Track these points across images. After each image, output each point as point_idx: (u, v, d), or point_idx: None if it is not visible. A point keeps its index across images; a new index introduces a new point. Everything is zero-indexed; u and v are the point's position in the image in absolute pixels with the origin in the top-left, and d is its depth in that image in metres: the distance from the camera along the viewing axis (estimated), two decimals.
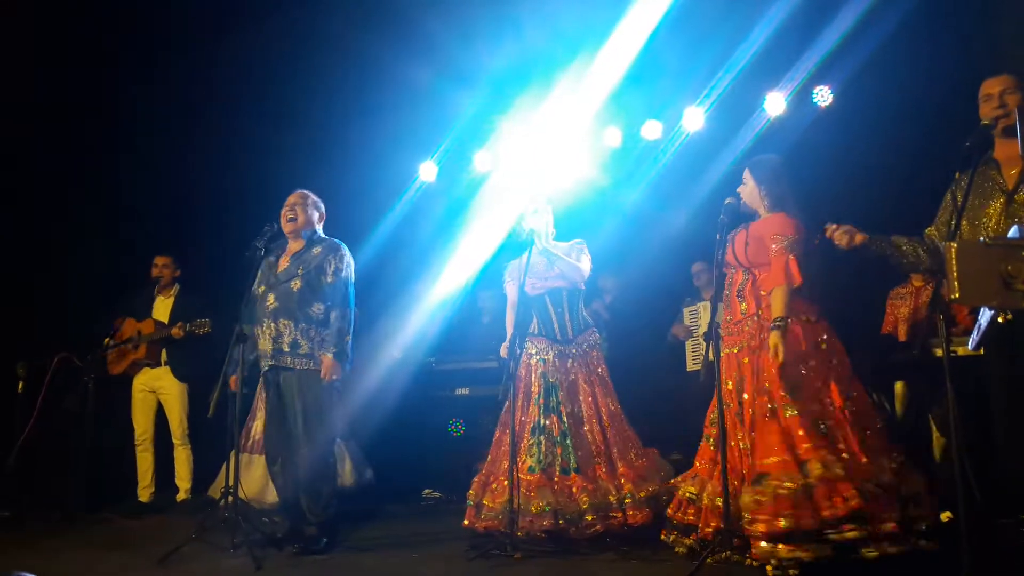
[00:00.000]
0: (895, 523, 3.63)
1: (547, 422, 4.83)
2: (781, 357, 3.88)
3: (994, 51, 3.32)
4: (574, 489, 4.61)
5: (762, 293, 4.12)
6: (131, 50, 7.16)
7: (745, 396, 4.09)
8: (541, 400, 4.88)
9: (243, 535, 4.46)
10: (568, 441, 4.76)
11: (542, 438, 4.77)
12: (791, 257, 4.00)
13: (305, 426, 4.68)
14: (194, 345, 6.30)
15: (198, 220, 7.48)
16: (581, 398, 4.89)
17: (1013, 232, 2.96)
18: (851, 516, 3.60)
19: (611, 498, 4.58)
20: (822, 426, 3.85)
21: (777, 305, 3.96)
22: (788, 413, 3.86)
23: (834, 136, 6.17)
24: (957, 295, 2.80)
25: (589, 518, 4.53)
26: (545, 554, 4.37)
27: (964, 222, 3.25)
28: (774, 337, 3.90)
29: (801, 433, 3.80)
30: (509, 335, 4.95)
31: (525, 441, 4.78)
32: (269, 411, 4.94)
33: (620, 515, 4.54)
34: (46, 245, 7.27)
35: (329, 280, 4.82)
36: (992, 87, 3.37)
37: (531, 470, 4.69)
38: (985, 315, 3.03)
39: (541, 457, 4.74)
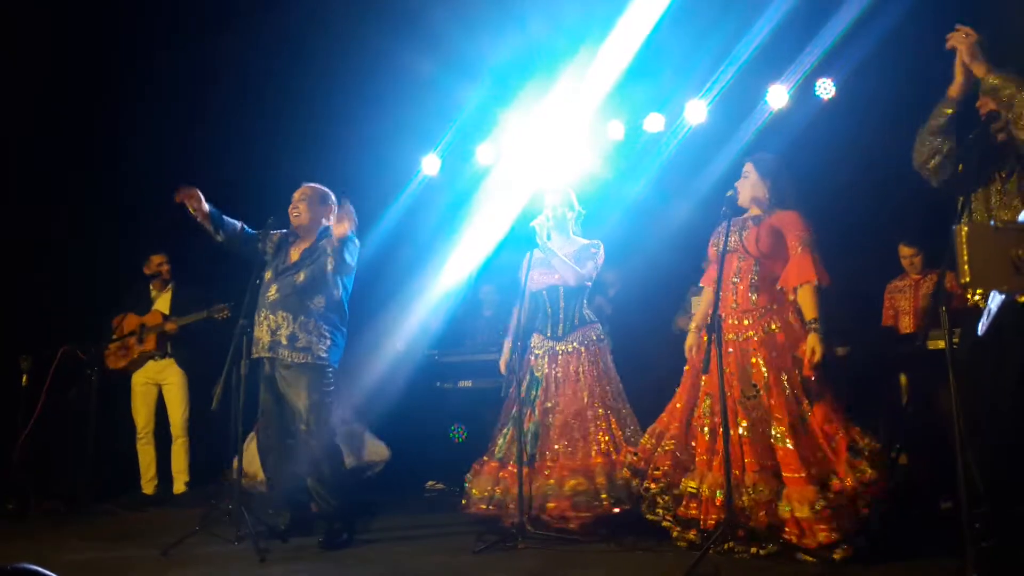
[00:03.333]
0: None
1: (521, 414, 4.91)
2: (819, 357, 4.00)
3: (999, 42, 3.31)
4: (510, 480, 4.71)
5: (778, 287, 4.23)
6: (131, 44, 7.15)
7: (757, 384, 4.14)
8: (523, 393, 4.96)
9: (247, 527, 4.47)
10: (531, 435, 4.84)
11: (513, 429, 4.84)
12: (816, 255, 4.16)
13: (304, 419, 4.70)
14: (199, 336, 6.34)
15: None
16: (559, 393, 4.92)
17: None
18: None
19: (540, 490, 4.67)
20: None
21: (810, 306, 4.10)
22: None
23: (837, 129, 6.17)
24: (967, 279, 2.78)
25: (511, 507, 4.65)
26: (551, 545, 4.39)
27: (976, 210, 3.25)
28: (813, 339, 4.03)
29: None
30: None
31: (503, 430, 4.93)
32: (263, 404, 4.94)
33: (541, 505, 4.63)
34: (49, 239, 7.27)
35: (330, 270, 4.84)
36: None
37: (493, 457, 4.90)
38: (995, 300, 3.00)
39: (506, 447, 4.85)
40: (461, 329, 7.41)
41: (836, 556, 3.73)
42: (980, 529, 3.06)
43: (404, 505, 6.11)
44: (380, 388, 6.09)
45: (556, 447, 4.80)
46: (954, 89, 3.39)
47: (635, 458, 4.46)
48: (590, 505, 4.56)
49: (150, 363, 6.57)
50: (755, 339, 4.18)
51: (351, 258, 4.87)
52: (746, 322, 4.23)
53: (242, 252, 5.07)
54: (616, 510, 4.55)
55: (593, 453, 4.73)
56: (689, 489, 4.17)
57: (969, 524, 3.06)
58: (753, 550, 3.91)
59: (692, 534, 4.14)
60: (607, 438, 4.77)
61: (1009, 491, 3.05)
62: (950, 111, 3.42)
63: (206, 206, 4.93)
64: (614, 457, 4.71)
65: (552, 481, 4.67)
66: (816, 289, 4.11)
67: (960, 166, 3.32)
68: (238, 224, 5.06)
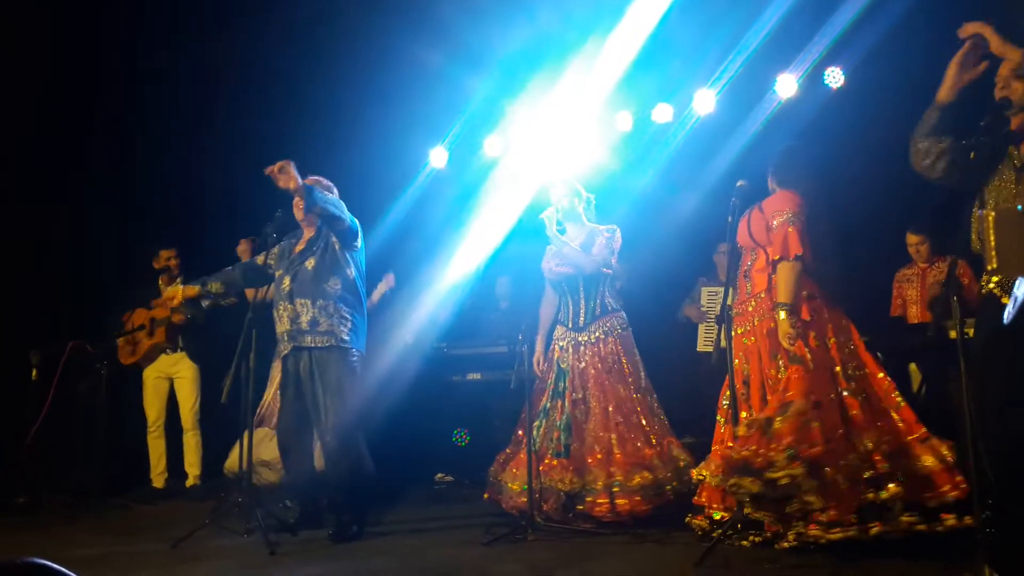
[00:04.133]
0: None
1: (551, 406, 4.94)
2: (788, 341, 3.92)
3: (1011, 30, 3.26)
4: (553, 474, 4.70)
5: (771, 275, 4.15)
6: (133, 42, 7.14)
7: (751, 375, 4.15)
8: (551, 385, 4.98)
9: (257, 520, 4.48)
10: (565, 426, 4.84)
11: (544, 421, 4.85)
12: (791, 229, 4.02)
13: (324, 404, 4.68)
14: (210, 329, 6.36)
15: (209, 207, 7.48)
16: (590, 385, 4.90)
17: None
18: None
19: (598, 484, 4.62)
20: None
21: (782, 285, 3.98)
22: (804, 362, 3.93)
23: (846, 118, 6.13)
24: (995, 265, 2.74)
25: (551, 500, 4.65)
26: (560, 537, 4.40)
27: (988, 199, 3.19)
28: (783, 322, 3.93)
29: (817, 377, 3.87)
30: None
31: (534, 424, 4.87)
32: (284, 398, 4.96)
33: (606, 501, 4.57)
34: (56, 236, 7.28)
35: (339, 248, 4.83)
36: (1004, 67, 3.31)
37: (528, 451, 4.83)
38: (1021, 287, 2.95)
39: (538, 439, 4.82)
40: (470, 321, 7.39)
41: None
42: (990, 521, 3.03)
43: (413, 498, 6.12)
44: (389, 382, 6.08)
45: (608, 440, 4.76)
46: (944, 94, 3.23)
47: (684, 453, 4.61)
48: (652, 498, 4.57)
49: (163, 357, 6.58)
50: (751, 327, 4.19)
51: (336, 198, 4.81)
52: (749, 308, 4.24)
53: (257, 282, 5.09)
54: (672, 499, 4.59)
55: (641, 445, 4.75)
56: (699, 477, 4.22)
57: (980, 515, 3.04)
58: (751, 539, 3.92)
59: (700, 519, 4.20)
60: (649, 428, 4.81)
61: (1020, 482, 3.02)
62: (939, 112, 3.35)
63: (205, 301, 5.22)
64: (661, 449, 4.75)
65: (620, 477, 4.62)
66: (790, 265, 3.97)
67: (972, 154, 3.27)
68: (228, 269, 5.17)
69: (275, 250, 5.04)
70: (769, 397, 4.02)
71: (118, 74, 7.25)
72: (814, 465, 3.63)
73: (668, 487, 4.59)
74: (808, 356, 3.92)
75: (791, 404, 3.77)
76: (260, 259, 5.05)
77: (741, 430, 3.85)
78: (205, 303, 5.21)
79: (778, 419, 3.75)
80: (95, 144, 7.40)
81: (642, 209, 6.68)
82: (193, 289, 5.16)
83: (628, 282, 6.98)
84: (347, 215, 4.81)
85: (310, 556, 4.24)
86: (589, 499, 4.62)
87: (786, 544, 3.76)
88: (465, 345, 7.00)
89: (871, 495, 3.66)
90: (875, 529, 3.63)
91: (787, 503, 3.68)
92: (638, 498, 4.56)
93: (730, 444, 3.93)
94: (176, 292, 5.28)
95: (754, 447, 3.71)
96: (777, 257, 4.00)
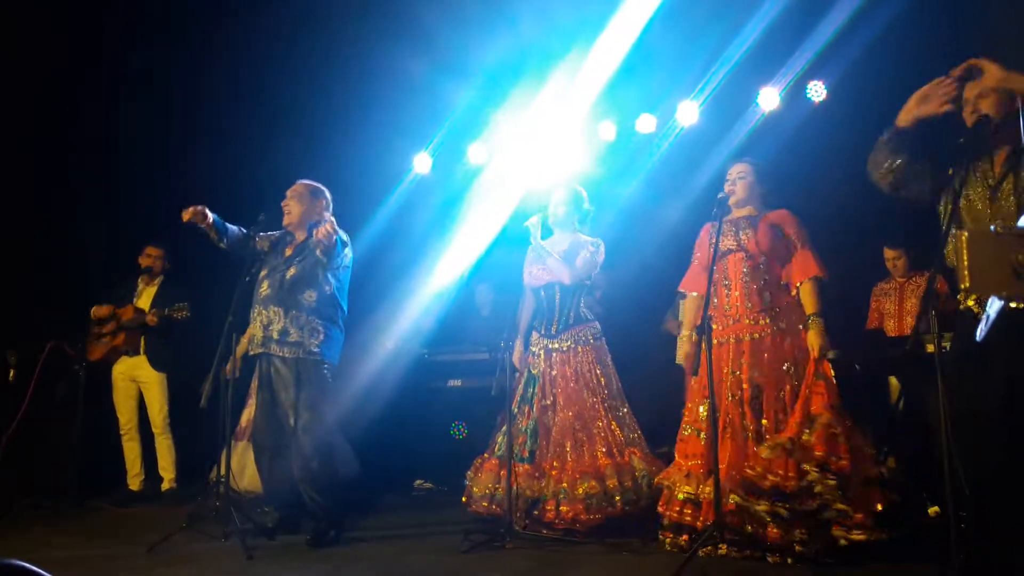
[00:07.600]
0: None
1: (519, 412, 4.97)
2: (817, 351, 4.07)
3: (989, 45, 3.31)
4: (518, 480, 4.72)
5: (782, 282, 4.32)
6: (126, 40, 7.12)
7: (756, 378, 4.19)
8: (521, 391, 5.02)
9: (234, 525, 4.46)
10: (531, 432, 4.88)
11: (511, 426, 4.85)
12: (815, 251, 4.27)
13: (296, 415, 4.68)
14: (172, 334, 6.30)
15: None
16: (558, 392, 4.93)
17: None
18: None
19: (549, 491, 4.68)
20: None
21: (812, 300, 4.19)
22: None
23: (828, 131, 6.18)
24: (967, 284, 2.77)
25: (521, 505, 4.69)
26: (539, 545, 4.40)
27: (964, 217, 3.23)
28: (812, 334, 4.11)
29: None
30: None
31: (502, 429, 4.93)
32: (259, 401, 4.95)
33: (553, 508, 4.63)
34: (39, 232, 7.23)
35: (320, 265, 4.81)
36: (970, 91, 3.34)
37: (493, 455, 4.95)
38: (994, 305, 2.99)
39: (502, 445, 4.87)
40: (453, 328, 7.39)
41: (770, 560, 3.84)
42: (966, 533, 3.07)
43: (392, 504, 6.10)
44: (370, 388, 6.07)
45: (564, 447, 4.79)
46: (903, 118, 3.34)
47: (645, 465, 4.63)
48: (601, 507, 4.56)
49: (125, 359, 6.46)
50: (768, 337, 4.22)
51: (340, 255, 4.85)
52: (763, 321, 4.26)
53: (244, 255, 5.05)
54: (627, 510, 4.57)
55: (599, 454, 4.74)
56: (685, 494, 4.17)
57: (955, 528, 3.07)
58: (747, 553, 3.92)
59: (684, 539, 4.13)
60: (610, 438, 4.79)
61: (995, 496, 3.06)
62: (895, 135, 3.42)
63: (211, 217, 4.89)
64: (619, 459, 4.73)
65: (565, 484, 4.65)
66: (818, 283, 4.20)
67: (951, 170, 3.32)
68: (238, 229, 5.06)
69: (274, 235, 5.02)
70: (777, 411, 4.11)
71: (101, 74, 7.22)
72: (842, 475, 3.80)
73: (617, 497, 4.57)
74: (831, 373, 4.10)
75: (817, 418, 3.93)
76: (259, 243, 5.00)
77: (764, 452, 3.93)
78: (207, 229, 4.96)
79: (805, 433, 3.90)
80: (78, 143, 7.36)
81: (625, 218, 6.71)
82: (210, 225, 4.90)
83: (613, 290, 7.02)
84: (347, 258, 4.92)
85: (287, 561, 4.23)
86: (543, 505, 4.67)
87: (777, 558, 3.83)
88: (447, 351, 6.99)
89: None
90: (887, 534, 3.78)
91: (820, 512, 3.80)
92: (581, 507, 4.56)
93: (749, 467, 3.96)
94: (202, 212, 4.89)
95: (781, 472, 3.85)
96: (814, 276, 4.21)
